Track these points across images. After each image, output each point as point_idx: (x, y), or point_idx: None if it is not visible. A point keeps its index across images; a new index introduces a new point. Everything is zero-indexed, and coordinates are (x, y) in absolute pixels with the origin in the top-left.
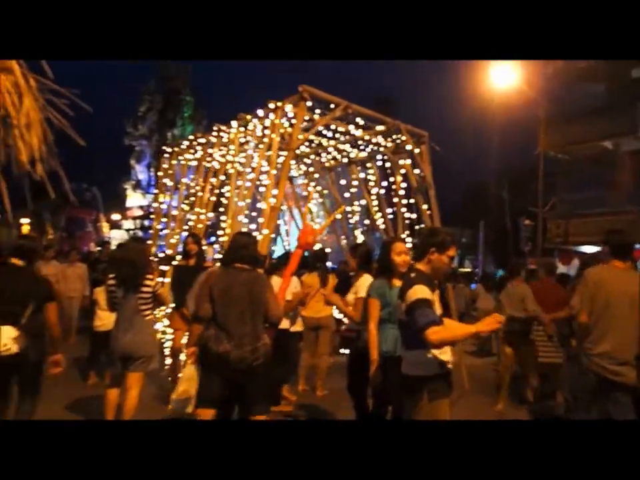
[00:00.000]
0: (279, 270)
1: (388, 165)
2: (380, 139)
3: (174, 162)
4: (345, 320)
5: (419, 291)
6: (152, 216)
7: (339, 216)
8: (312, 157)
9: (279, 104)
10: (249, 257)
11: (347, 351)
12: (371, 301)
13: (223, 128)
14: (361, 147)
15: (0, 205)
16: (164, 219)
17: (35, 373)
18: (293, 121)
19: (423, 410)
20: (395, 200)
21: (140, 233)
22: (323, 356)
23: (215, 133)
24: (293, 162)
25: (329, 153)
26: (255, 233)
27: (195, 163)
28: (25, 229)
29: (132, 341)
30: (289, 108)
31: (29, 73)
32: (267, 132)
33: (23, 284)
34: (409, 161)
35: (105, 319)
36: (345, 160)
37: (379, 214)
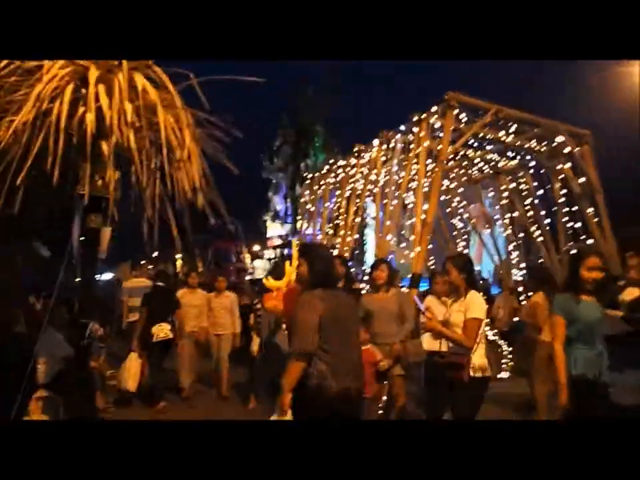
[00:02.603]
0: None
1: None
2: (532, 143)
3: (315, 187)
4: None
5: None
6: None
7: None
8: (455, 170)
9: (423, 116)
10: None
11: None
12: (556, 318)
13: (363, 148)
14: (512, 155)
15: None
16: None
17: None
18: (440, 133)
19: None
20: (554, 209)
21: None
22: None
23: (355, 154)
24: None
25: (474, 165)
26: (406, 252)
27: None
28: (179, 264)
29: None
30: (433, 119)
31: (187, 107)
32: (411, 147)
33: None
34: (568, 165)
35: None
36: (493, 171)
37: (535, 226)
